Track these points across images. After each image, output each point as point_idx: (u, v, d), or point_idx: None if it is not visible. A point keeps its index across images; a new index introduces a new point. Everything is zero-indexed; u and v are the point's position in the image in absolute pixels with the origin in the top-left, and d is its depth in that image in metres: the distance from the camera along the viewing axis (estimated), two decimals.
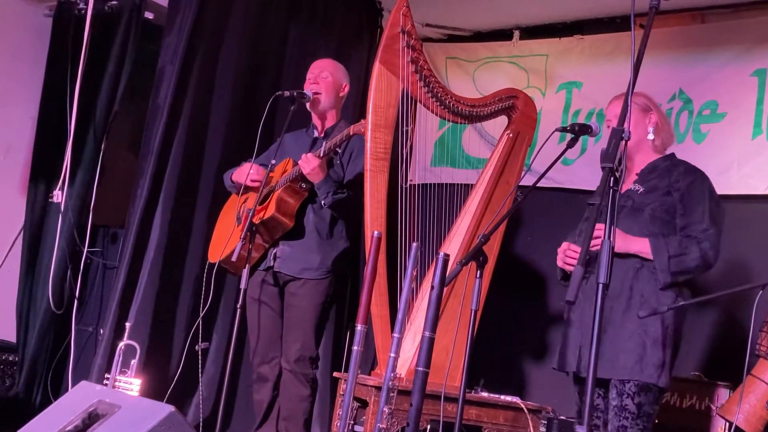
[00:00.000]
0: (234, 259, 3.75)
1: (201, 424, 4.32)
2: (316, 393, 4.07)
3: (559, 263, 3.41)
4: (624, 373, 3.15)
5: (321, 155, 3.80)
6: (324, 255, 3.98)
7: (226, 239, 4.00)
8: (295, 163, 3.94)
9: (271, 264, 3.99)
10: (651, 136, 3.40)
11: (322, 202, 3.90)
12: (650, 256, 3.20)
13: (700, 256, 3.20)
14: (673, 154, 3.44)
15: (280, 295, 4.03)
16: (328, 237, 4.01)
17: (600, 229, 3.24)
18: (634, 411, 3.14)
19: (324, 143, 3.86)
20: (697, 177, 3.35)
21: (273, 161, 3.88)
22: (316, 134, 4.17)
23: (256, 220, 3.86)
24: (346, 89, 4.19)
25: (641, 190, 3.34)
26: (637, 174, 3.41)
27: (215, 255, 4.07)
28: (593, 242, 3.06)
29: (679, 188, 3.30)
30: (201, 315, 4.10)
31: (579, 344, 3.29)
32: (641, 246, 3.22)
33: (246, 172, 4.00)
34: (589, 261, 3.28)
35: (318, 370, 4.05)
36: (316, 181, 3.84)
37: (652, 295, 3.20)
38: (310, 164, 3.79)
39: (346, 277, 4.41)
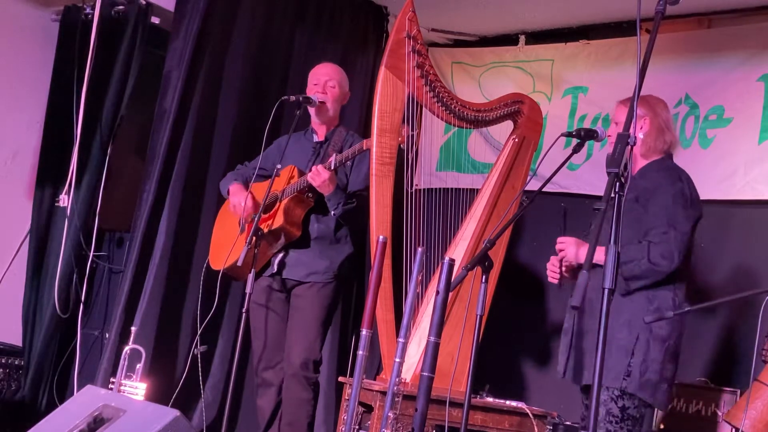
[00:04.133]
0: (240, 263, 3.75)
1: (205, 428, 4.32)
2: (318, 397, 4.07)
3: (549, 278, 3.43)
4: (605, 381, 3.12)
5: (331, 168, 3.80)
6: (331, 260, 3.99)
7: (227, 245, 3.99)
8: (301, 172, 3.94)
9: (275, 270, 3.99)
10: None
11: (332, 212, 3.91)
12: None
13: (648, 260, 3.10)
14: (663, 158, 3.35)
15: (286, 300, 4.04)
16: (333, 243, 4.02)
17: (561, 242, 3.28)
18: (618, 414, 3.13)
19: (334, 156, 3.83)
20: (665, 178, 3.24)
21: (279, 166, 3.88)
22: (316, 139, 4.17)
23: (264, 229, 3.87)
24: (348, 96, 4.21)
25: None
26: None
27: (218, 262, 4.06)
28: (560, 253, 3.26)
29: (645, 191, 3.22)
30: (206, 319, 4.09)
31: (568, 350, 3.30)
32: (597, 255, 3.16)
33: (241, 202, 4.00)
34: (575, 272, 3.31)
35: (320, 374, 4.05)
36: (326, 193, 3.85)
37: (627, 302, 3.16)
38: (320, 177, 3.79)
39: (351, 281, 4.41)
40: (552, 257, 3.41)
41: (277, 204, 3.96)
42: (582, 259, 3.21)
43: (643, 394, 3.13)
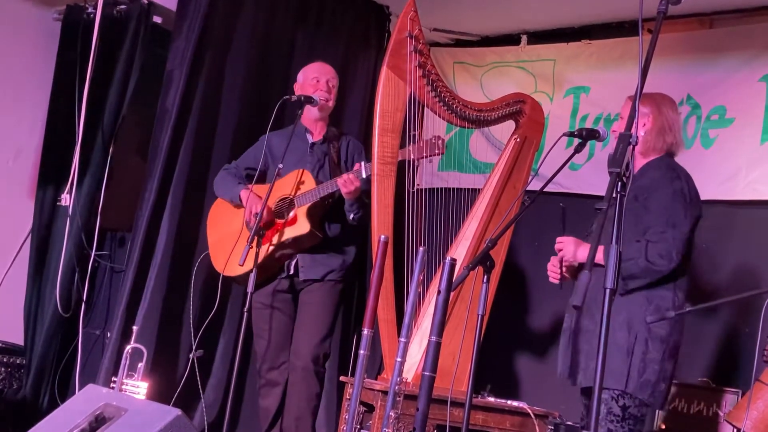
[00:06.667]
0: (242, 263, 3.75)
1: (206, 428, 4.32)
2: (322, 392, 4.10)
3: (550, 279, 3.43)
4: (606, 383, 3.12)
5: (362, 176, 3.84)
6: (343, 258, 4.09)
7: (232, 248, 3.98)
8: (317, 178, 3.95)
9: (291, 272, 4.01)
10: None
11: (352, 216, 3.97)
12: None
13: (645, 259, 3.08)
14: (662, 157, 3.31)
15: (293, 301, 4.06)
16: (341, 240, 4.07)
17: (560, 242, 3.28)
18: (619, 414, 3.13)
19: (362, 164, 3.83)
20: (664, 175, 3.22)
21: (280, 166, 3.87)
22: (311, 139, 4.17)
23: (283, 235, 3.89)
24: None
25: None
26: None
27: (221, 264, 4.05)
28: (559, 253, 3.28)
29: (643, 189, 3.20)
30: (207, 319, 4.10)
31: (566, 350, 3.30)
32: (596, 254, 3.15)
33: (251, 207, 3.97)
34: (575, 271, 3.30)
35: (326, 370, 4.08)
36: (352, 199, 3.89)
37: (625, 301, 3.14)
38: (353, 185, 3.82)
39: (355, 282, 4.45)
40: (552, 257, 3.41)
41: (294, 210, 3.95)
42: (580, 258, 3.22)
43: (642, 395, 3.12)
